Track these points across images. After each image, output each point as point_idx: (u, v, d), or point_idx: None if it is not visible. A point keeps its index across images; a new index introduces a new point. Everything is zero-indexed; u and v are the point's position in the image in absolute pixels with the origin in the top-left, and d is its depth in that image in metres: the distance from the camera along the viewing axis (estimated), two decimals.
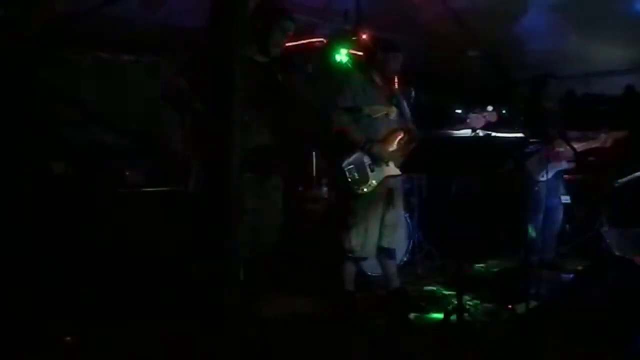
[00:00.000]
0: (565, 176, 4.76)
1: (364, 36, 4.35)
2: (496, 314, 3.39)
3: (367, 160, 3.44)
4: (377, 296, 3.82)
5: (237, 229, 1.38)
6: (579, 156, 4.15)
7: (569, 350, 2.83)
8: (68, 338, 2.81)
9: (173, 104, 2.70)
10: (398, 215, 3.73)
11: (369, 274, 4.05)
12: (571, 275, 3.93)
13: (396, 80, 3.92)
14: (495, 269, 4.51)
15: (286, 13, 2.79)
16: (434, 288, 4.03)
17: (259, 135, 2.69)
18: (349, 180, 3.40)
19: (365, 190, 3.42)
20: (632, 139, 4.38)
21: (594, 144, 4.32)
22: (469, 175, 4.69)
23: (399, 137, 3.51)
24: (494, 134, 2.85)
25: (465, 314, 3.00)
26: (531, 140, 4.09)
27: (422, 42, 4.41)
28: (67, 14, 3.69)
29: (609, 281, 3.02)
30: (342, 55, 4.65)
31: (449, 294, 3.75)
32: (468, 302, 3.39)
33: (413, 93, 4.15)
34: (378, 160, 3.44)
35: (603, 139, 4.32)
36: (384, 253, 3.64)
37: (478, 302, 3.58)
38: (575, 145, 3.93)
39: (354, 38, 4.48)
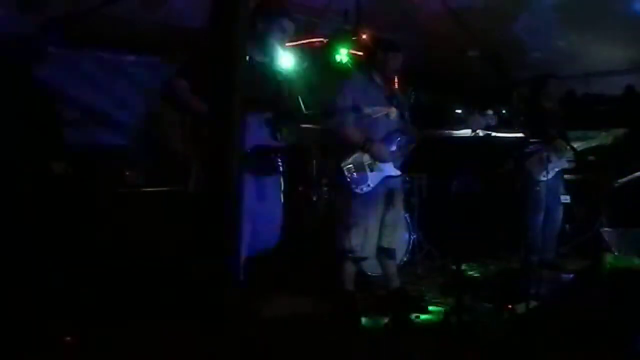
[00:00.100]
0: (565, 176, 4.76)
1: (364, 36, 4.35)
2: (496, 314, 3.39)
3: (366, 160, 3.44)
4: (377, 296, 3.82)
5: (237, 229, 1.38)
6: (579, 156, 4.16)
7: (569, 350, 2.83)
8: (68, 338, 2.81)
9: (173, 103, 2.71)
10: (398, 215, 3.73)
11: (369, 274, 4.05)
12: (571, 275, 3.93)
13: (396, 80, 3.91)
14: (495, 269, 4.51)
15: (286, 13, 2.79)
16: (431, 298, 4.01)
17: (259, 135, 2.69)
18: (349, 180, 3.41)
19: (364, 190, 3.42)
20: (632, 138, 4.38)
21: (593, 143, 4.33)
22: (469, 175, 4.69)
23: (399, 137, 3.51)
24: (494, 134, 2.84)
25: (465, 314, 3.00)
26: (531, 140, 4.09)
27: (422, 42, 4.41)
28: (67, 14, 3.69)
29: (609, 281, 3.02)
30: (342, 55, 4.65)
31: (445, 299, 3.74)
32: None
33: (413, 93, 4.15)
34: (378, 160, 3.44)
35: (602, 138, 4.32)
36: (384, 253, 3.64)
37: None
38: (575, 145, 3.94)
39: (354, 38, 4.47)
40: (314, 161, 4.68)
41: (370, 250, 3.55)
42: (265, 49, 2.80)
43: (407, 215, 4.42)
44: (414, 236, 4.50)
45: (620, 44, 4.69)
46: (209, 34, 1.39)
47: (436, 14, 4.05)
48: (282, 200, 2.94)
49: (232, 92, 1.34)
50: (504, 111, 3.26)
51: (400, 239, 4.21)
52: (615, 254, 3.81)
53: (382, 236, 3.58)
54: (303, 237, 4.31)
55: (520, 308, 3.30)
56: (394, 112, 3.34)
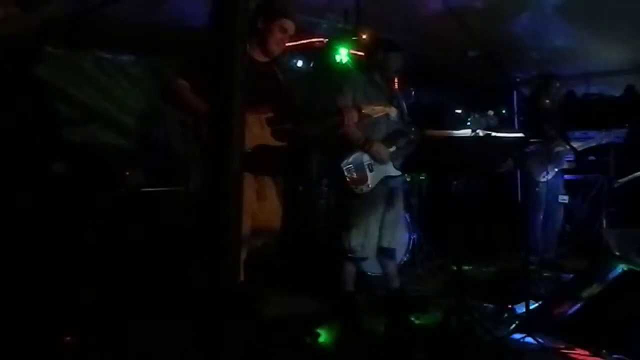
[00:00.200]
0: (565, 176, 4.76)
1: (364, 36, 4.35)
2: (496, 314, 3.39)
3: (366, 160, 3.44)
4: (377, 296, 3.82)
5: (237, 229, 1.38)
6: (579, 156, 4.15)
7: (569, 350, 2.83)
8: (68, 338, 2.81)
9: (173, 103, 2.70)
10: (398, 215, 3.73)
11: (369, 274, 4.05)
12: (571, 275, 3.93)
13: (396, 80, 3.91)
14: (495, 269, 4.51)
15: (286, 13, 2.79)
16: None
17: (260, 135, 2.69)
18: (348, 180, 3.41)
19: (364, 190, 3.42)
20: (632, 138, 4.37)
21: (593, 143, 4.32)
22: (469, 175, 4.69)
23: (399, 137, 3.51)
24: (494, 134, 2.84)
25: (465, 314, 2.99)
26: (531, 140, 4.09)
27: (422, 42, 4.41)
28: (67, 14, 3.69)
29: (609, 281, 3.02)
30: (342, 55, 4.65)
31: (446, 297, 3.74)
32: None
33: (413, 93, 4.15)
34: (378, 160, 3.44)
35: (600, 138, 4.31)
36: (384, 253, 3.64)
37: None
38: (575, 145, 3.93)
39: (354, 38, 4.47)
40: (314, 161, 4.69)
41: (370, 250, 3.55)
42: (265, 48, 2.80)
43: (407, 215, 4.42)
44: (414, 236, 4.50)
45: (620, 44, 4.69)
46: (209, 34, 1.38)
47: (436, 14, 4.05)
48: (282, 200, 2.94)
49: (232, 92, 1.34)
50: (503, 111, 3.26)
51: (400, 239, 4.21)
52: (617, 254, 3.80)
53: (382, 236, 3.58)
54: (303, 237, 4.31)
55: (520, 308, 3.31)
56: (394, 113, 3.34)
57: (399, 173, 3.57)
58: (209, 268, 1.37)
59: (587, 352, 2.75)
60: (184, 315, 2.90)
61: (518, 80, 4.99)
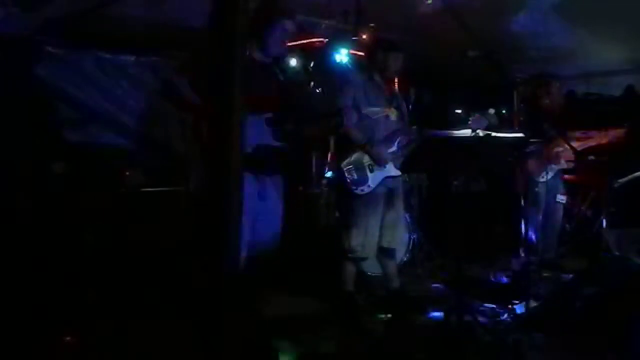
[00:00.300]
0: (565, 176, 4.76)
1: (364, 36, 4.35)
2: (496, 314, 3.40)
3: (366, 160, 3.44)
4: (377, 296, 3.82)
5: (238, 229, 1.38)
6: (578, 155, 4.15)
7: (569, 350, 2.83)
8: (68, 338, 2.81)
9: (173, 101, 2.70)
10: (398, 215, 3.73)
11: (369, 274, 4.05)
12: (571, 275, 3.93)
13: (396, 80, 3.91)
14: (495, 269, 4.51)
15: (287, 13, 2.79)
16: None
17: (260, 135, 2.69)
18: (349, 180, 3.40)
19: (365, 190, 3.42)
20: (631, 138, 4.37)
21: (592, 142, 4.31)
22: (469, 175, 4.69)
23: (399, 137, 3.51)
24: (494, 134, 2.84)
25: (465, 314, 3.00)
26: (531, 140, 4.09)
27: (422, 42, 4.41)
28: (67, 14, 3.69)
29: (609, 280, 3.02)
30: (342, 55, 4.65)
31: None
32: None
33: (413, 93, 4.15)
34: (378, 161, 3.44)
35: (599, 137, 4.31)
36: (384, 253, 3.65)
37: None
38: (575, 145, 3.92)
39: (354, 38, 4.47)
40: (314, 161, 4.69)
41: (370, 250, 3.55)
42: (265, 49, 2.80)
43: (407, 215, 4.42)
44: (414, 236, 4.50)
45: (620, 44, 4.68)
46: (209, 34, 1.39)
47: (436, 14, 4.05)
48: (283, 200, 2.94)
49: (233, 92, 1.34)
50: (504, 111, 3.26)
51: (400, 239, 4.20)
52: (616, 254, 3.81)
53: (382, 236, 3.58)
54: (303, 237, 4.31)
55: (520, 308, 3.31)
56: (394, 113, 3.34)
57: (399, 173, 3.57)
58: (209, 268, 1.37)
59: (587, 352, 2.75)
60: (184, 315, 2.90)
61: (518, 80, 4.98)
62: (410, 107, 3.92)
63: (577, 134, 4.29)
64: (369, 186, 3.42)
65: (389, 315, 3.46)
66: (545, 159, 4.31)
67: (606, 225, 4.77)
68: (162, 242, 3.80)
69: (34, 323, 2.97)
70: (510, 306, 3.42)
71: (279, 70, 2.92)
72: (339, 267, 3.58)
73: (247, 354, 1.86)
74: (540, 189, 4.37)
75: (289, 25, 2.78)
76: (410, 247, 4.47)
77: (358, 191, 3.41)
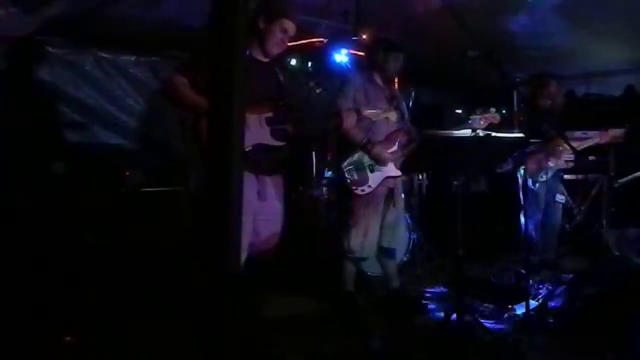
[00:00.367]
0: (565, 176, 4.76)
1: (364, 36, 4.35)
2: (496, 314, 3.40)
3: (367, 161, 3.44)
4: (377, 296, 3.82)
5: (238, 229, 1.37)
6: (578, 155, 4.15)
7: (569, 350, 2.83)
8: (68, 338, 2.81)
9: (172, 100, 2.70)
10: (398, 215, 3.73)
11: (369, 273, 4.05)
12: (571, 276, 3.93)
13: (396, 80, 3.91)
14: (495, 269, 4.51)
15: (287, 13, 2.79)
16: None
17: (259, 135, 2.69)
18: (349, 181, 3.40)
19: (365, 191, 3.42)
20: (631, 138, 4.37)
21: (591, 142, 4.31)
22: (469, 175, 4.69)
23: (399, 137, 3.51)
24: (494, 134, 2.84)
25: (465, 314, 3.00)
26: (531, 140, 4.09)
27: (422, 42, 4.41)
28: (67, 14, 3.69)
29: (609, 280, 3.02)
30: (342, 55, 4.65)
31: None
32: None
33: (413, 93, 4.15)
34: (378, 161, 3.44)
35: (599, 137, 4.31)
36: (384, 253, 3.65)
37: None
38: (574, 145, 3.92)
39: (354, 38, 4.47)
40: (314, 161, 4.68)
41: (370, 250, 3.55)
42: (266, 49, 2.80)
43: (407, 215, 4.42)
44: (414, 236, 4.50)
45: (620, 44, 4.68)
46: (209, 34, 1.38)
47: (436, 14, 4.05)
48: (283, 200, 2.95)
49: (232, 91, 1.34)
50: (504, 111, 3.26)
51: (400, 239, 4.20)
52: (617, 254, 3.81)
53: (382, 236, 3.58)
54: (303, 237, 4.31)
55: (520, 308, 3.31)
56: (393, 116, 3.34)
57: (399, 173, 3.57)
58: (209, 268, 1.37)
59: (587, 352, 2.75)
60: (184, 315, 2.90)
61: (518, 80, 4.98)
62: (410, 107, 3.92)
63: (577, 133, 4.29)
64: (369, 186, 3.42)
65: (389, 315, 3.46)
66: (544, 159, 4.31)
67: (606, 225, 4.77)
68: (162, 242, 3.80)
69: (34, 323, 2.97)
70: (510, 306, 3.42)
71: (279, 70, 2.93)
72: (339, 267, 3.58)
73: (247, 354, 1.86)
74: (540, 189, 4.37)
75: (289, 25, 2.79)
76: (410, 247, 4.47)
77: (358, 191, 3.41)
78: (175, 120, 4.33)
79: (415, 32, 4.30)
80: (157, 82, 4.61)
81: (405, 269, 4.32)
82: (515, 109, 4.21)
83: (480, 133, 2.86)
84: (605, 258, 3.85)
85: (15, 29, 3.85)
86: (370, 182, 3.42)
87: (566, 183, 4.78)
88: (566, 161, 4.43)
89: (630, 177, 4.76)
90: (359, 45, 4.50)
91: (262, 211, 2.78)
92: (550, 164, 4.34)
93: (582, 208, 5.24)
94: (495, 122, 3.18)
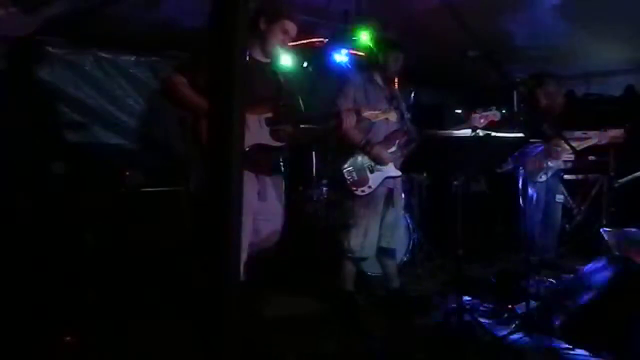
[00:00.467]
0: (565, 176, 4.76)
1: (364, 36, 4.35)
2: (496, 314, 3.40)
3: (366, 161, 3.44)
4: (377, 296, 3.82)
5: (238, 229, 1.37)
6: (578, 154, 4.15)
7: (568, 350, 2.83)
8: (68, 338, 2.81)
9: (172, 99, 2.71)
10: (398, 216, 3.73)
11: (369, 273, 4.05)
12: (571, 276, 3.93)
13: (396, 80, 3.91)
14: (495, 269, 4.51)
15: (288, 14, 2.79)
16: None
17: (260, 135, 2.69)
18: (349, 182, 3.40)
19: (365, 192, 3.42)
20: (631, 138, 4.37)
21: (590, 142, 4.31)
22: (469, 175, 4.69)
23: (399, 138, 3.50)
24: (494, 134, 2.84)
25: (465, 314, 3.00)
26: (531, 140, 4.08)
27: (422, 42, 4.41)
28: (67, 14, 3.69)
29: (609, 280, 3.02)
30: (342, 55, 4.65)
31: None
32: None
33: (413, 93, 4.15)
34: (378, 162, 3.44)
35: (599, 137, 4.30)
36: (384, 253, 3.65)
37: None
38: (574, 144, 3.92)
39: (354, 38, 4.47)
40: (314, 161, 4.68)
41: (370, 250, 3.55)
42: (266, 49, 2.80)
43: (407, 215, 4.42)
44: (414, 236, 4.50)
45: (620, 44, 4.68)
46: (209, 34, 1.38)
47: (436, 14, 4.05)
48: (283, 200, 2.95)
49: (232, 91, 1.34)
50: (504, 111, 3.26)
51: (400, 239, 4.21)
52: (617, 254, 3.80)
53: (382, 236, 3.58)
54: (303, 237, 4.31)
55: (520, 308, 3.31)
56: (393, 116, 3.34)
57: (399, 173, 3.57)
58: (209, 268, 1.37)
59: (587, 352, 2.76)
60: (184, 315, 2.90)
61: (518, 80, 4.98)
62: (410, 107, 3.92)
63: (577, 134, 4.29)
64: (369, 187, 3.42)
65: (389, 315, 3.46)
66: (543, 159, 4.31)
67: (606, 225, 4.77)
68: (162, 242, 3.80)
69: (34, 323, 2.97)
70: (510, 306, 3.42)
71: (279, 70, 2.93)
72: (339, 267, 3.58)
73: (247, 354, 1.86)
74: (539, 189, 4.37)
75: (289, 25, 2.79)
76: (410, 247, 4.47)
77: (358, 192, 3.41)
78: (175, 120, 4.31)
79: (415, 32, 4.30)
80: (157, 82, 4.61)
81: (405, 269, 4.32)
82: (515, 109, 4.21)
83: (480, 133, 2.86)
84: (605, 258, 3.84)
85: (15, 29, 3.86)
86: (370, 183, 3.42)
87: (566, 183, 4.78)
88: (565, 161, 4.43)
89: (630, 177, 4.75)
90: (359, 45, 4.50)
91: (262, 211, 2.78)
92: (550, 164, 4.34)
93: (582, 208, 5.24)
94: (496, 120, 3.17)
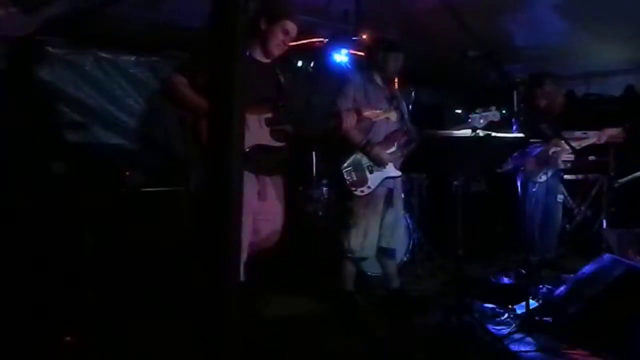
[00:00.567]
0: (565, 176, 4.76)
1: (364, 36, 4.35)
2: (496, 314, 3.40)
3: (365, 162, 3.43)
4: (377, 296, 3.82)
5: (238, 229, 1.38)
6: (578, 154, 4.15)
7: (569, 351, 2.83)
8: (68, 338, 2.81)
9: (172, 100, 2.71)
10: (398, 216, 3.73)
11: (369, 274, 4.05)
12: (571, 275, 3.93)
13: (396, 80, 3.91)
14: (495, 269, 4.51)
15: (289, 14, 2.79)
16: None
17: (260, 135, 2.69)
18: (349, 182, 3.40)
19: (365, 192, 3.42)
20: (631, 138, 4.37)
21: (589, 142, 4.31)
22: (469, 175, 4.69)
23: (399, 138, 3.50)
24: (494, 134, 2.84)
25: (465, 314, 3.00)
26: (531, 140, 4.08)
27: (422, 42, 4.41)
28: (67, 14, 3.69)
29: (609, 280, 3.02)
30: (342, 55, 4.65)
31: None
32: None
33: (413, 93, 4.15)
34: (377, 162, 3.44)
35: (598, 136, 4.31)
36: (384, 253, 3.64)
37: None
38: (573, 144, 3.92)
39: (354, 38, 4.47)
40: (314, 161, 4.68)
41: (370, 250, 3.54)
42: (266, 49, 2.80)
43: (407, 215, 4.42)
44: (414, 236, 4.50)
45: (620, 44, 4.69)
46: (209, 34, 1.38)
47: (436, 14, 4.05)
48: (283, 200, 2.95)
49: (232, 92, 1.34)
50: (504, 111, 3.26)
51: (400, 239, 4.20)
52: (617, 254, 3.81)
53: (382, 236, 3.58)
54: (303, 237, 4.31)
55: (520, 308, 3.31)
56: (393, 116, 3.33)
57: (399, 173, 3.57)
58: (209, 268, 1.37)
59: (587, 352, 2.76)
60: (184, 315, 2.90)
61: (518, 80, 4.98)
62: (410, 107, 3.92)
63: (577, 134, 4.29)
64: (368, 187, 3.42)
65: (389, 315, 3.46)
66: (542, 159, 4.31)
67: (606, 225, 4.77)
68: (162, 242, 3.80)
69: (34, 323, 2.97)
70: (510, 306, 3.42)
71: (279, 70, 2.93)
72: (339, 267, 3.58)
73: (247, 354, 1.87)
74: (538, 189, 4.37)
75: (290, 26, 2.79)
76: (410, 247, 4.47)
77: (358, 192, 3.41)
78: (175, 120, 4.31)
79: (415, 32, 4.31)
80: (157, 82, 4.61)
81: (405, 269, 4.32)
82: (515, 109, 4.20)
83: (480, 133, 2.86)
84: (605, 258, 3.84)
85: (15, 29, 3.85)
86: (369, 183, 3.42)
87: (566, 183, 4.79)
88: (565, 161, 4.43)
89: (630, 177, 4.76)
90: (359, 45, 4.50)
91: (262, 211, 2.78)
92: (548, 164, 4.34)
93: (582, 208, 5.24)
94: (496, 120, 3.17)
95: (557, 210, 4.55)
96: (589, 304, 2.98)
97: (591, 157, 4.90)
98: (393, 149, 3.48)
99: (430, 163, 3.13)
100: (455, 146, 2.92)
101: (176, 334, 2.74)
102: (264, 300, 3.20)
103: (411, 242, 4.47)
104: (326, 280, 3.75)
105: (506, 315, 3.35)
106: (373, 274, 4.05)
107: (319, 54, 4.74)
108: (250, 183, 2.66)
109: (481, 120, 3.23)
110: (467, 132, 2.89)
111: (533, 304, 3.28)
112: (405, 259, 4.44)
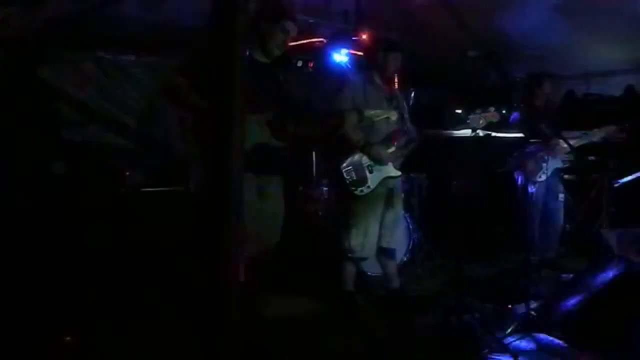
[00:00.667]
0: (565, 176, 4.75)
1: (364, 36, 4.35)
2: (496, 314, 3.40)
3: (365, 161, 3.43)
4: (377, 296, 3.82)
5: (238, 229, 1.38)
6: (577, 152, 4.15)
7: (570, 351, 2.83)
8: (68, 338, 2.81)
9: (172, 100, 2.70)
10: (398, 216, 3.73)
11: (369, 273, 4.05)
12: (571, 275, 3.93)
13: (396, 80, 3.91)
14: (495, 269, 4.51)
15: (288, 15, 2.79)
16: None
17: (261, 135, 2.69)
18: (348, 182, 3.40)
19: (364, 191, 3.42)
20: (631, 138, 4.37)
21: (586, 140, 4.31)
22: (469, 175, 4.69)
23: (398, 138, 3.50)
24: (494, 134, 2.84)
25: (465, 314, 3.00)
26: (531, 140, 4.08)
27: (422, 42, 4.41)
28: (67, 14, 3.69)
29: (609, 280, 3.02)
30: (342, 55, 4.65)
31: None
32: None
33: (413, 93, 4.15)
34: (377, 162, 3.44)
35: (595, 135, 4.31)
36: (384, 253, 3.65)
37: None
38: (571, 142, 3.92)
39: (354, 38, 4.47)
40: (314, 161, 4.69)
41: (370, 250, 3.55)
42: (266, 49, 2.80)
43: (407, 215, 4.42)
44: (414, 236, 4.50)
45: (620, 44, 4.69)
46: (209, 34, 1.39)
47: (436, 14, 4.05)
48: (283, 200, 2.95)
49: (232, 92, 1.34)
50: (504, 111, 3.26)
51: (400, 239, 4.21)
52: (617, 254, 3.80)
53: (382, 236, 3.58)
54: (303, 237, 4.31)
55: (520, 308, 3.31)
56: (393, 116, 3.34)
57: (399, 173, 3.57)
58: (209, 268, 1.37)
59: (587, 352, 2.76)
60: (184, 315, 2.90)
61: (518, 80, 4.99)
62: (410, 107, 3.92)
63: (577, 134, 4.29)
64: (368, 187, 3.42)
65: (389, 315, 3.46)
66: (542, 159, 4.31)
67: (606, 225, 4.77)
68: (162, 242, 3.80)
69: (34, 323, 2.97)
70: (510, 306, 3.42)
71: (279, 70, 2.92)
72: (339, 267, 3.58)
73: (247, 354, 1.87)
74: (538, 189, 4.37)
75: (290, 26, 2.78)
76: (410, 247, 4.47)
77: (358, 192, 3.41)
78: (175, 120, 4.33)
79: (415, 32, 4.30)
80: (157, 82, 4.61)
81: (405, 269, 4.32)
82: (515, 109, 4.21)
83: (480, 133, 2.86)
84: (605, 258, 3.84)
85: (15, 29, 3.85)
86: (369, 183, 3.42)
87: (566, 183, 4.78)
88: (564, 160, 4.43)
89: (630, 177, 4.75)
90: (359, 45, 4.50)
91: (263, 211, 2.78)
92: (548, 164, 4.34)
93: (582, 208, 5.24)
94: (495, 119, 3.18)
95: (557, 210, 4.55)
96: (589, 303, 2.98)
97: (591, 157, 4.90)
98: (392, 149, 3.48)
99: (430, 163, 3.14)
100: (455, 146, 2.92)
101: (176, 334, 2.74)
102: (264, 300, 3.20)
103: (411, 242, 4.47)
104: (326, 280, 3.74)
105: (506, 315, 3.35)
106: (373, 274, 4.05)
107: (318, 54, 4.73)
108: (251, 183, 2.65)
109: (481, 121, 3.23)
110: (467, 132, 2.89)
111: (533, 304, 3.27)
112: (405, 259, 4.44)
